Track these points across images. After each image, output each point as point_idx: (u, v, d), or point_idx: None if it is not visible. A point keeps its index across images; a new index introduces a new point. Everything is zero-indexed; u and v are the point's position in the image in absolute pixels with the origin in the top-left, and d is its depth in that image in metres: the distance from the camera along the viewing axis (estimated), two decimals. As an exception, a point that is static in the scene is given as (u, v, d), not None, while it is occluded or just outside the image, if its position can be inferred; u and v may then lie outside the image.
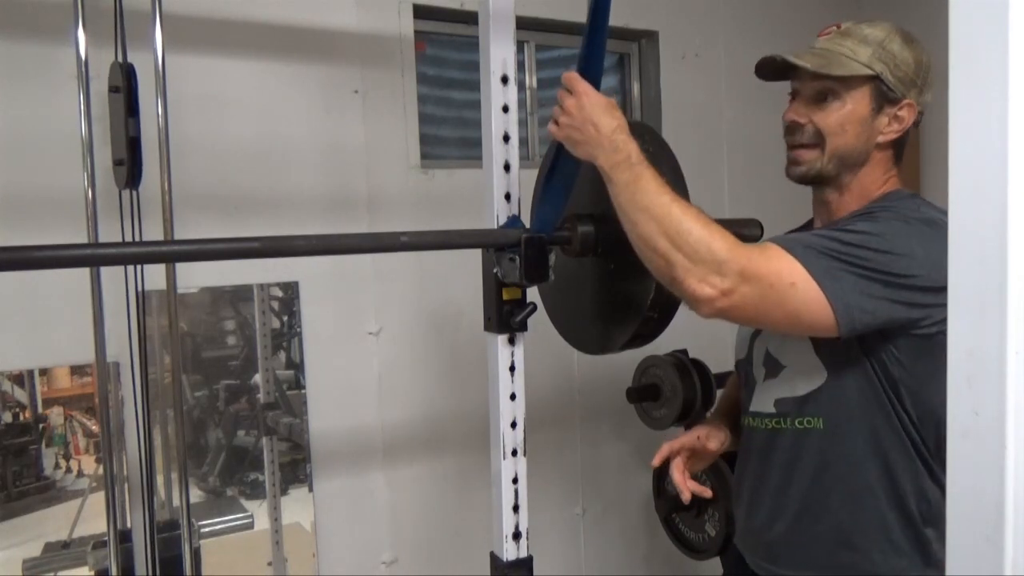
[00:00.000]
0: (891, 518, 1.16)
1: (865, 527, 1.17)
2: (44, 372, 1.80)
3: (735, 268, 1.02)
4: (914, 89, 1.18)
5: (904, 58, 1.17)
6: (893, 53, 1.17)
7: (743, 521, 1.37)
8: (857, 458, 1.16)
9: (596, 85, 1.15)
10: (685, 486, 1.35)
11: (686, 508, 2.15)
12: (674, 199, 1.06)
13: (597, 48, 1.14)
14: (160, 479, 1.88)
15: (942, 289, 1.06)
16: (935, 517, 1.16)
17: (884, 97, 1.17)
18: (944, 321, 1.07)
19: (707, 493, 1.35)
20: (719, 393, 1.87)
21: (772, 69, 1.23)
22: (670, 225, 1.04)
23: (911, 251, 1.05)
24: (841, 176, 1.21)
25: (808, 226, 1.37)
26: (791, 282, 1.03)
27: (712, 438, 1.41)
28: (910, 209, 1.13)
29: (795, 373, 1.21)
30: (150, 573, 1.76)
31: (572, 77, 1.14)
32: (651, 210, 1.05)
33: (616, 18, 2.53)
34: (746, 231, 1.54)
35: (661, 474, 2.21)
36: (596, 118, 1.11)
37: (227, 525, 2.04)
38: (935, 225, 1.09)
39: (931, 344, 1.09)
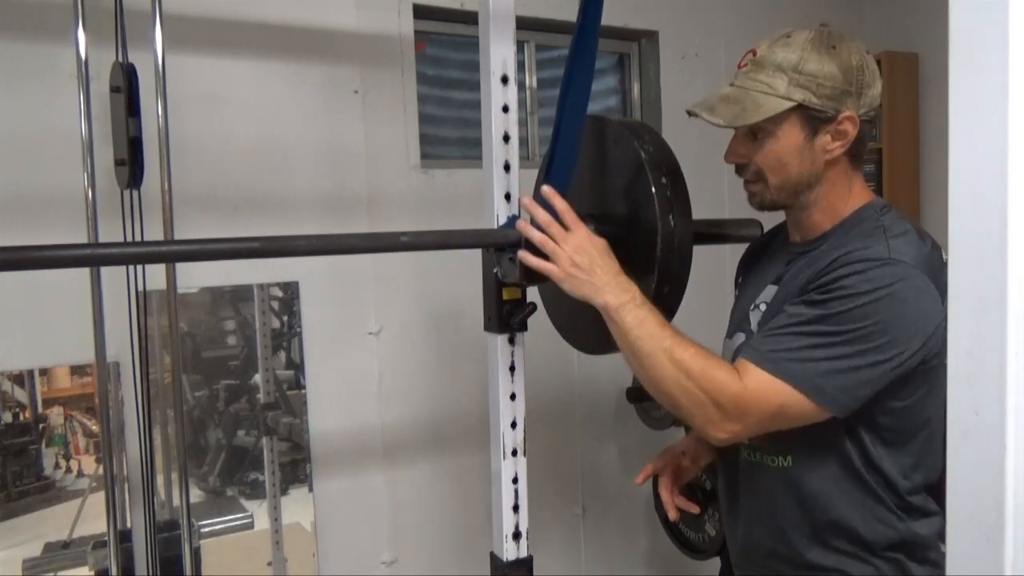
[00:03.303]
0: (865, 551, 1.17)
1: (841, 557, 1.18)
2: (44, 372, 1.80)
3: (731, 409, 1.08)
4: (849, 98, 1.12)
5: (827, 72, 1.11)
6: (812, 74, 1.10)
7: (731, 540, 1.39)
8: (824, 496, 1.17)
9: (564, 191, 1.20)
10: (672, 503, 1.38)
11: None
12: (675, 340, 1.10)
13: (568, 160, 1.21)
14: (160, 479, 1.88)
15: (916, 334, 1.05)
16: (909, 547, 1.17)
17: (816, 120, 1.12)
18: (918, 351, 1.06)
19: (694, 509, 1.37)
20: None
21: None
22: (674, 368, 1.09)
23: (880, 316, 1.04)
24: (799, 199, 1.19)
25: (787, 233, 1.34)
26: (779, 403, 1.07)
27: (700, 456, 1.42)
28: (874, 255, 1.08)
29: None
30: (150, 573, 1.75)
31: (564, 209, 1.17)
32: (656, 355, 1.10)
33: (616, 18, 2.56)
34: (746, 231, 1.54)
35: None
36: (601, 260, 1.14)
37: (227, 525, 2.04)
38: (897, 267, 1.06)
39: (913, 375, 1.10)
